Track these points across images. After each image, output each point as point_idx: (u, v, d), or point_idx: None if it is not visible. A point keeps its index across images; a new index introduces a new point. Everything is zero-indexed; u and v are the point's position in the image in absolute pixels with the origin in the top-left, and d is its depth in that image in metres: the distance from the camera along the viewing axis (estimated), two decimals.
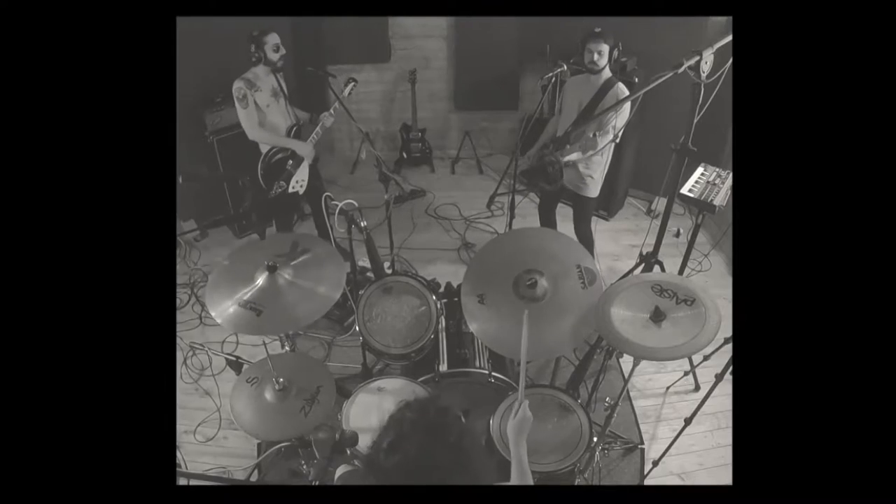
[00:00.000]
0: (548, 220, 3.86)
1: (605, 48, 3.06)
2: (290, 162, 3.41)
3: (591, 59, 3.09)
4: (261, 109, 3.27)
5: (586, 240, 3.63)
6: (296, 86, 3.86)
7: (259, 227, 2.30)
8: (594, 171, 3.35)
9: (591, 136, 3.13)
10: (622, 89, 3.14)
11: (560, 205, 3.81)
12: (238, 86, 3.18)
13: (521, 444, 1.60)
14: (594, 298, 2.20)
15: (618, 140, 3.21)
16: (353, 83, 3.45)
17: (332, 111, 3.36)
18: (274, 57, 3.18)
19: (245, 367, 2.41)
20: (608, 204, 4.39)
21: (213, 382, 3.22)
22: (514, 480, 1.56)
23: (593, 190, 3.42)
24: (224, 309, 2.14)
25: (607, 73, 3.18)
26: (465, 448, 1.29)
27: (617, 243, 4.16)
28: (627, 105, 3.04)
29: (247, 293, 2.17)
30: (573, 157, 3.21)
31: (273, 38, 3.16)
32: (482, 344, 2.59)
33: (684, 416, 2.46)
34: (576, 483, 2.46)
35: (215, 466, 2.86)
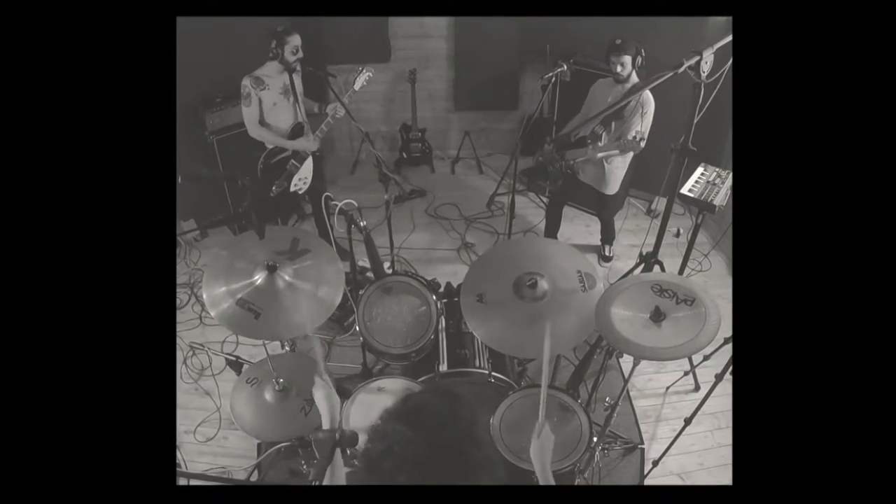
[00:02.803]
0: (554, 221, 4.01)
1: (627, 58, 3.20)
2: (292, 161, 3.42)
3: (615, 70, 3.24)
4: (265, 107, 3.28)
5: (609, 225, 4.01)
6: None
7: (259, 227, 2.30)
8: (613, 169, 3.52)
9: (632, 137, 3.23)
10: (648, 97, 3.22)
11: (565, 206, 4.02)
12: (244, 83, 3.21)
13: (547, 470, 1.53)
14: (594, 301, 2.20)
15: (643, 145, 3.28)
16: (368, 73, 3.34)
17: (340, 105, 3.31)
18: (290, 58, 3.21)
19: (245, 367, 2.41)
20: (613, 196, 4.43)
21: (213, 382, 3.22)
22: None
23: (611, 188, 3.62)
24: (220, 299, 2.14)
25: (634, 79, 3.29)
26: (480, 421, 1.28)
27: (617, 243, 4.16)
28: (651, 110, 3.22)
29: (245, 290, 2.17)
30: (601, 154, 3.36)
31: (295, 40, 3.19)
32: (482, 344, 2.59)
33: (684, 416, 2.46)
34: (576, 483, 2.47)
35: (215, 466, 2.86)
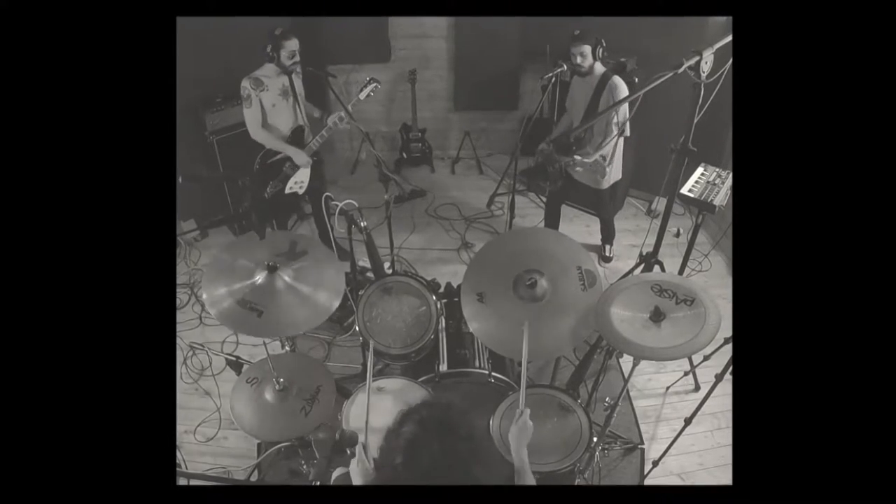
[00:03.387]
0: (553, 220, 4.02)
1: (587, 48, 3.20)
2: (289, 163, 3.41)
3: (576, 62, 3.24)
4: (265, 109, 3.27)
5: (608, 225, 4.02)
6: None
7: (259, 227, 2.30)
8: (606, 164, 3.52)
9: (602, 161, 3.32)
10: (617, 81, 3.24)
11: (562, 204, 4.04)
12: (244, 85, 3.21)
13: (522, 450, 1.62)
14: (594, 299, 2.20)
15: (627, 133, 3.36)
16: (374, 84, 3.31)
17: (342, 115, 3.28)
18: (287, 62, 3.20)
19: (245, 367, 2.41)
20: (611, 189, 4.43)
21: (213, 382, 3.22)
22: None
23: (606, 181, 3.62)
24: (221, 300, 2.16)
25: (600, 69, 3.29)
26: (479, 439, 1.30)
27: (617, 243, 4.16)
28: (620, 94, 3.20)
29: (245, 291, 2.18)
30: (588, 160, 3.38)
31: (292, 45, 3.17)
32: (482, 344, 2.59)
33: (684, 416, 2.46)
34: (576, 483, 2.46)
35: (215, 466, 2.86)
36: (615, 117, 3.24)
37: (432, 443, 1.24)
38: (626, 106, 3.22)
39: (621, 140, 3.46)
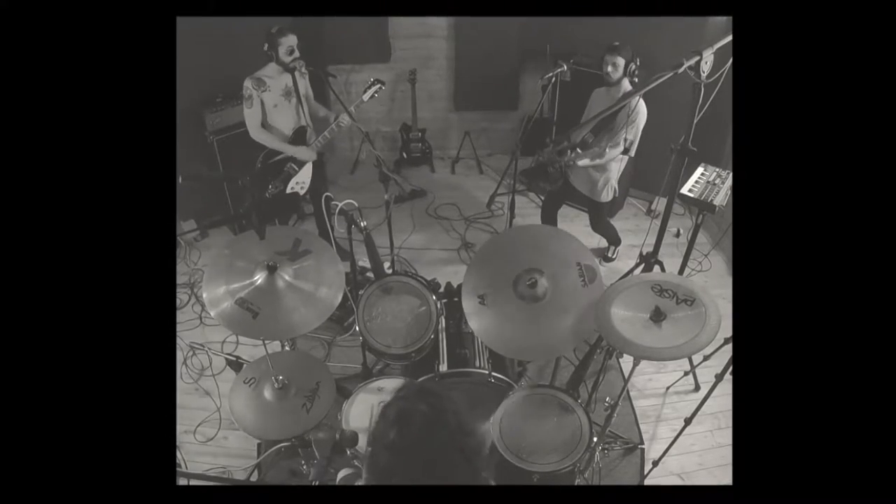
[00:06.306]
0: (550, 220, 4.00)
1: (621, 61, 3.18)
2: (291, 164, 3.40)
3: (606, 71, 3.22)
4: (267, 109, 3.27)
5: (607, 234, 3.98)
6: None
7: (259, 227, 2.30)
8: (605, 179, 3.50)
9: (603, 146, 3.27)
10: (641, 106, 3.21)
11: (562, 206, 4.00)
12: (246, 85, 3.19)
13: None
14: (595, 296, 2.19)
15: (632, 153, 3.34)
16: (378, 86, 3.32)
17: (347, 115, 3.29)
18: (286, 59, 3.17)
19: (245, 366, 2.41)
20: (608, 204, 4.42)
21: (213, 382, 3.22)
22: None
23: (604, 196, 3.59)
24: (220, 299, 2.17)
25: (626, 86, 3.26)
26: (458, 401, 1.31)
27: None
28: (639, 119, 3.21)
29: (244, 290, 2.18)
30: (583, 162, 3.38)
31: (289, 41, 3.15)
32: (482, 344, 2.59)
33: (684, 416, 2.46)
34: (576, 483, 2.46)
35: (215, 466, 2.86)
36: (625, 133, 3.22)
37: (419, 405, 1.26)
38: (638, 127, 3.23)
39: (625, 159, 3.44)
